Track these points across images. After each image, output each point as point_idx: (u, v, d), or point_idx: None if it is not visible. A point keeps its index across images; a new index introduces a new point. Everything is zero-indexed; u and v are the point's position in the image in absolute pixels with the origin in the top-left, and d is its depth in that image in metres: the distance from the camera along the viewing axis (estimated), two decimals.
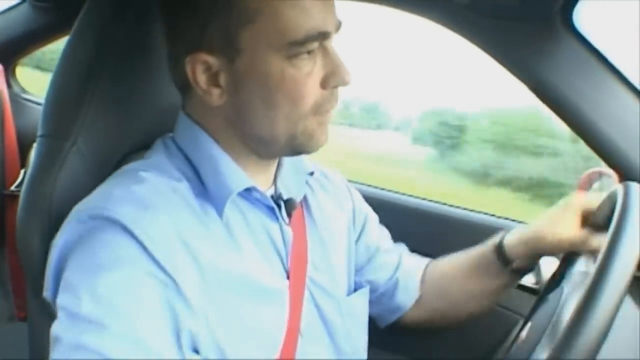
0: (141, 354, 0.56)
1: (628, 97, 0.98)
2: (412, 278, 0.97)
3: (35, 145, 0.74)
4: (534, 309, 0.83)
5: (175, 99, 0.84)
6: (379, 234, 0.98)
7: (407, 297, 0.95)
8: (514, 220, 1.35)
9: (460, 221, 1.38)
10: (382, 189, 1.55)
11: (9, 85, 1.79)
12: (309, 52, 0.66)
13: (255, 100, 0.67)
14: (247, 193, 0.73)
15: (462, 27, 1.08)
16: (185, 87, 0.71)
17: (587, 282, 0.55)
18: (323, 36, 0.66)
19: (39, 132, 0.74)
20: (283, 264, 0.77)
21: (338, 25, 0.70)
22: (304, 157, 0.84)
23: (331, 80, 0.68)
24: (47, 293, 0.65)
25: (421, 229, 1.42)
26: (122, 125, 0.78)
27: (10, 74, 1.85)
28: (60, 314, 0.58)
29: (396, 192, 1.53)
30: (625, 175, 0.98)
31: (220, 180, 0.70)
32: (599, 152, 1.00)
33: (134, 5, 0.75)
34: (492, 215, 1.39)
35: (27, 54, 1.79)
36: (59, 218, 0.67)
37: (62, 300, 0.59)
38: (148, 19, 0.79)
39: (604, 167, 1.04)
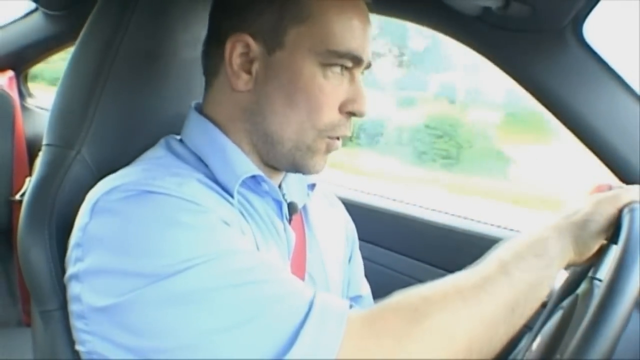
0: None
1: (637, 108, 0.97)
2: None
3: (41, 153, 0.74)
4: (545, 321, 0.81)
5: (181, 108, 0.84)
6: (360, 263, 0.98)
7: None
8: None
9: (465, 232, 1.37)
10: (388, 199, 1.54)
11: (20, 93, 1.81)
12: (341, 69, 0.69)
13: (279, 95, 0.69)
14: (257, 186, 0.73)
15: (472, 39, 1.08)
16: (213, 70, 0.73)
17: (595, 300, 0.54)
18: (358, 61, 0.70)
19: (45, 141, 0.74)
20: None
21: (368, 64, 0.73)
22: None
23: (350, 105, 0.70)
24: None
25: (425, 241, 1.42)
26: (127, 134, 0.77)
27: (21, 81, 1.87)
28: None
29: (400, 202, 1.53)
30: None
31: (229, 168, 0.70)
32: (606, 163, 0.99)
33: (141, 14, 0.75)
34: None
35: (38, 62, 1.81)
36: (60, 229, 0.67)
37: None
38: (155, 28, 0.79)
39: (613, 181, 1.03)
